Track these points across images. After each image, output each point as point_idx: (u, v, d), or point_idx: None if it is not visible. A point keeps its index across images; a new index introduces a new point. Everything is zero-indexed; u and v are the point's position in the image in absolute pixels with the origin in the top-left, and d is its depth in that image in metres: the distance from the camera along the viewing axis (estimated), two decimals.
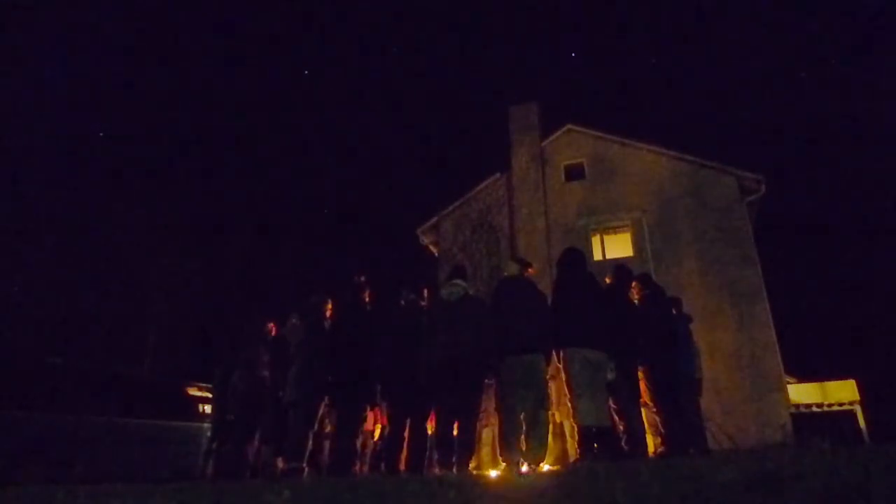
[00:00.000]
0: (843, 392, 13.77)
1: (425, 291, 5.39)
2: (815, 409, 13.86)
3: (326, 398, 4.97)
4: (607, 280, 5.44)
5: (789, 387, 12.51)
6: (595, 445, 4.27)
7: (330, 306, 5.44)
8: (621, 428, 4.68)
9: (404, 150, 49.78)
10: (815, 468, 1.94)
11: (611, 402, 4.67)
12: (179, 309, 22.02)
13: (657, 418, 4.94)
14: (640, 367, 4.99)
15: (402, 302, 5.09)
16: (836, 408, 13.77)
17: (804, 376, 14.70)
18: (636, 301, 5.48)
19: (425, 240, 15.76)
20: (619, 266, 5.63)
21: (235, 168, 40.68)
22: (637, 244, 13.47)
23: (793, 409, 12.07)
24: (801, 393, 14.00)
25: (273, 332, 6.01)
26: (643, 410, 4.98)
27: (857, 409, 13.57)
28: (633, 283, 5.56)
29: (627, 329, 4.84)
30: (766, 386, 11.41)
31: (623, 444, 4.60)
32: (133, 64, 39.75)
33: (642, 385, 5.02)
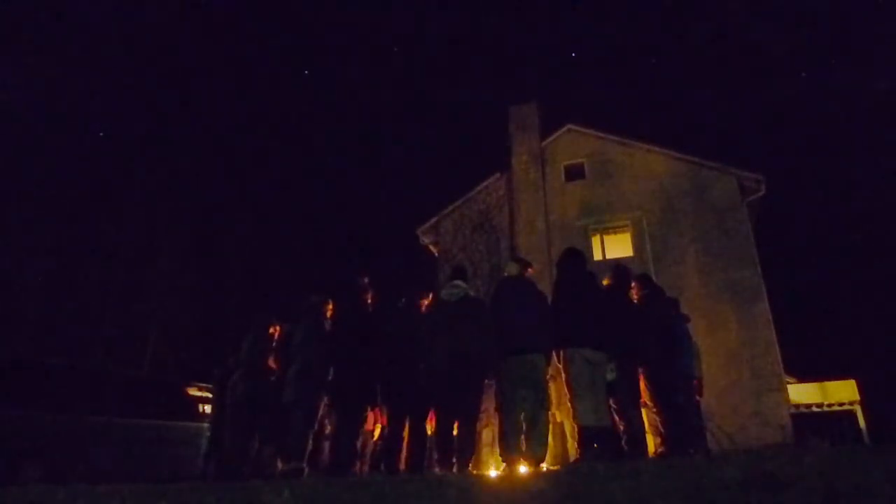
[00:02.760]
0: (843, 392, 13.79)
1: (429, 295, 5.36)
2: (815, 409, 13.87)
3: (326, 398, 4.97)
4: (605, 281, 5.44)
5: (789, 387, 12.51)
6: (595, 445, 4.26)
7: (331, 307, 5.43)
8: (621, 428, 4.68)
9: (404, 149, 49.76)
10: (815, 468, 1.94)
11: (611, 403, 4.67)
12: (179, 309, 22.01)
13: (657, 418, 4.94)
14: (639, 368, 4.98)
15: (400, 304, 5.10)
16: (836, 408, 13.78)
17: (804, 376, 14.71)
18: (636, 301, 5.48)
19: (425, 240, 15.75)
20: (617, 266, 5.63)
21: (235, 168, 40.66)
22: (637, 244, 13.46)
23: (793, 409, 12.07)
24: (801, 393, 14.00)
25: (276, 333, 6.01)
26: (643, 410, 4.98)
27: (857, 409, 13.59)
28: (633, 284, 5.56)
29: (627, 329, 4.84)
30: (766, 386, 11.40)
31: (623, 444, 4.60)
32: (133, 63, 39.74)
33: (642, 385, 5.02)
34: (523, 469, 4.03)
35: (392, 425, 4.69)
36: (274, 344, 5.85)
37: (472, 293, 4.87)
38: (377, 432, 5.60)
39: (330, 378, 4.90)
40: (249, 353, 5.80)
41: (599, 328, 4.54)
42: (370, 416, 5.09)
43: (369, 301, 5.20)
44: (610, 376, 4.62)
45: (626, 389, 4.79)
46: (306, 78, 50.73)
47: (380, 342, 4.76)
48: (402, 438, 4.53)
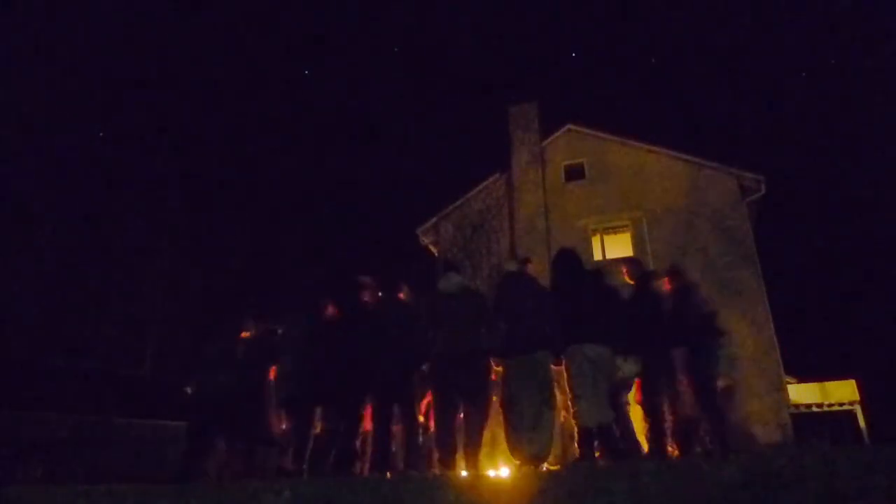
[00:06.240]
0: (843, 392, 13.79)
1: (406, 287, 5.11)
2: (815, 409, 13.88)
3: (322, 398, 4.84)
4: (626, 276, 5.25)
5: (789, 387, 12.50)
6: (595, 445, 4.22)
7: (330, 308, 5.32)
8: (623, 426, 4.57)
9: (404, 150, 49.78)
10: (815, 468, 1.94)
11: (623, 398, 4.57)
12: (179, 309, 22.01)
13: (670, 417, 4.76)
14: (662, 365, 4.73)
15: (388, 299, 4.99)
16: (836, 408, 13.79)
17: (804, 376, 14.71)
18: (668, 295, 5.19)
19: (425, 240, 15.75)
20: (632, 260, 5.53)
21: (235, 167, 40.65)
22: (637, 244, 13.45)
23: (793, 409, 12.07)
24: (801, 393, 14.01)
25: (247, 333, 5.75)
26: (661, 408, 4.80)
27: (857, 409, 13.60)
28: (665, 277, 5.32)
29: (651, 325, 4.67)
30: (766, 386, 11.41)
31: (627, 441, 4.49)
32: (133, 63, 39.74)
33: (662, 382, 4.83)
34: (525, 468, 4.00)
35: (381, 424, 4.55)
36: (251, 344, 5.63)
37: (470, 285, 4.82)
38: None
39: (324, 377, 4.77)
40: (214, 354, 5.62)
41: (601, 322, 4.38)
42: (368, 415, 5.00)
43: (368, 300, 5.10)
44: (629, 370, 4.49)
45: (646, 386, 4.67)
46: (306, 77, 50.74)
47: (374, 339, 4.65)
48: (391, 436, 4.47)
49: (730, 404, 5.24)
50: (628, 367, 4.57)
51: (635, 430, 4.79)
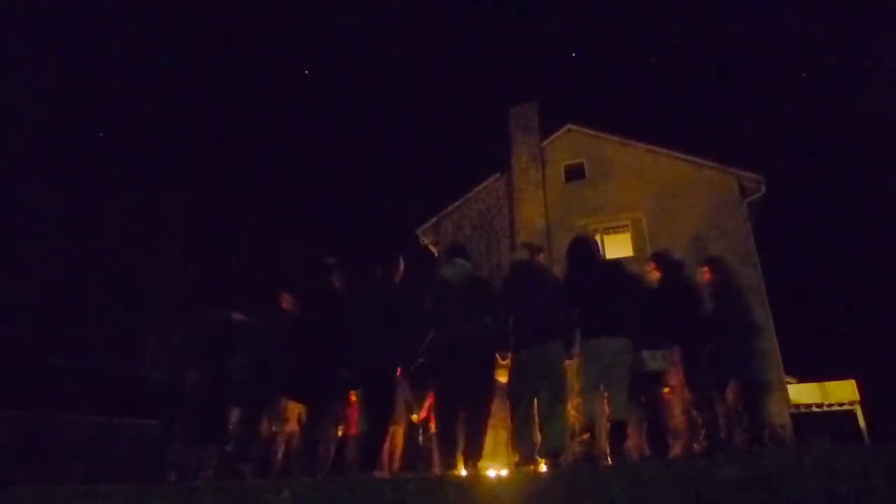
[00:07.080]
0: (843, 392, 13.80)
1: (399, 265, 4.64)
2: (815, 409, 13.89)
3: (296, 397, 4.61)
4: (651, 269, 5.03)
5: (789, 387, 12.50)
6: (597, 444, 4.16)
7: (288, 298, 5.03)
8: (645, 425, 4.47)
9: (404, 149, 49.82)
10: (815, 468, 1.94)
11: (650, 394, 4.44)
12: (179, 309, 22.00)
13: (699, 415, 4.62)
14: (704, 359, 4.53)
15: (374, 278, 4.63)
16: (836, 408, 13.80)
17: (804, 376, 14.71)
18: (704, 286, 4.97)
19: (425, 240, 15.76)
20: (658, 254, 5.34)
21: (236, 167, 40.63)
22: (637, 244, 13.46)
23: (793, 409, 12.07)
24: (801, 393, 14.01)
25: (216, 326, 5.47)
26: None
27: (857, 409, 13.61)
28: (706, 267, 5.05)
29: (693, 317, 4.50)
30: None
31: (654, 438, 4.40)
32: (132, 63, 39.71)
33: (685, 380, 4.68)
34: (525, 468, 3.96)
35: (372, 422, 4.28)
36: (207, 334, 5.39)
37: (477, 273, 4.61)
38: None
39: (294, 372, 4.49)
40: (169, 351, 5.53)
41: (618, 314, 4.11)
42: (354, 414, 4.74)
43: (338, 284, 4.74)
44: (657, 365, 4.34)
45: (682, 381, 4.49)
46: (306, 78, 50.73)
47: (352, 327, 4.32)
48: (385, 436, 4.30)
49: (767, 399, 5.03)
50: (656, 362, 4.36)
51: (665, 426, 4.57)
